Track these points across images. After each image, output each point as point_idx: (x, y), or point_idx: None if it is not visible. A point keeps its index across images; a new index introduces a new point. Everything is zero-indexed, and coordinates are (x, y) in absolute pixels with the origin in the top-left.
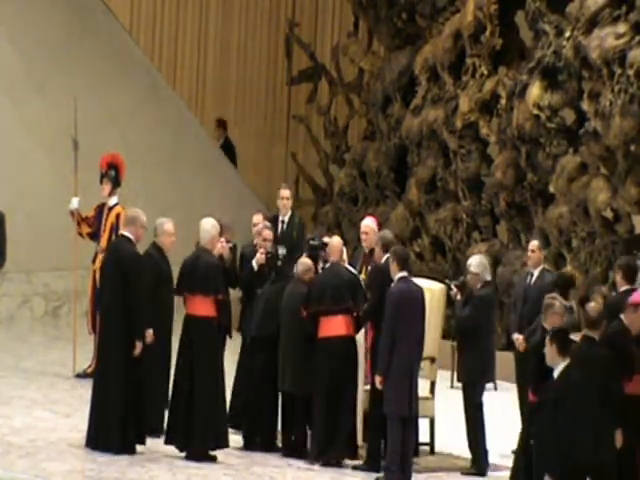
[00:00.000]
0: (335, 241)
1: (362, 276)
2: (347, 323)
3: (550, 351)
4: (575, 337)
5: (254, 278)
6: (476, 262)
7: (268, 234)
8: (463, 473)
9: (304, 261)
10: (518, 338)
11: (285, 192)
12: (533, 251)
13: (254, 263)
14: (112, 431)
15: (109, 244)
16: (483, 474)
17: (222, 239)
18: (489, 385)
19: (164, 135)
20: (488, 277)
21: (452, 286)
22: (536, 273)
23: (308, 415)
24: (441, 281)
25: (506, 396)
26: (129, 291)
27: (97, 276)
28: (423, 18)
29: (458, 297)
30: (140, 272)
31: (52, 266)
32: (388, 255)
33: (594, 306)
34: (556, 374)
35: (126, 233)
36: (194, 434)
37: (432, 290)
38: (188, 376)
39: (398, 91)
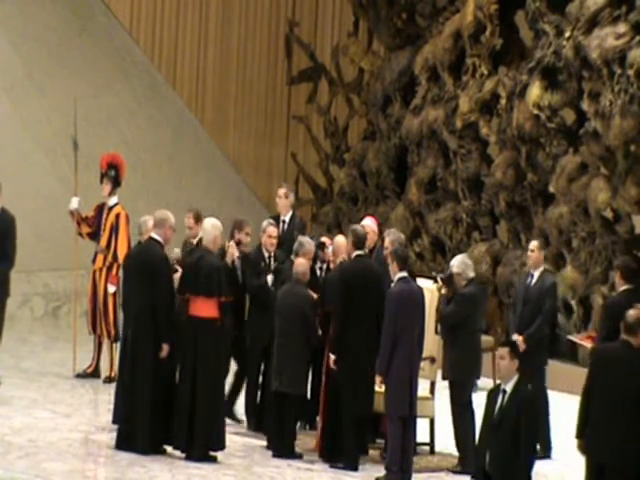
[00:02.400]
0: (340, 240)
1: None
2: None
3: (510, 365)
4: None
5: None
6: (457, 262)
7: (273, 231)
8: (450, 471)
9: (303, 262)
10: (518, 339)
11: (280, 190)
12: (532, 251)
13: (228, 259)
14: (139, 432)
15: (136, 246)
16: (470, 473)
17: (231, 242)
18: (489, 384)
19: (164, 135)
20: (471, 274)
21: (438, 279)
22: (536, 274)
23: (300, 415)
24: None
25: None
26: (156, 293)
27: (97, 276)
28: (423, 18)
29: (443, 290)
30: (167, 275)
31: (52, 266)
32: (357, 253)
33: (633, 312)
34: (509, 388)
35: (155, 235)
36: (196, 435)
37: (432, 290)
38: (190, 377)
39: (398, 91)
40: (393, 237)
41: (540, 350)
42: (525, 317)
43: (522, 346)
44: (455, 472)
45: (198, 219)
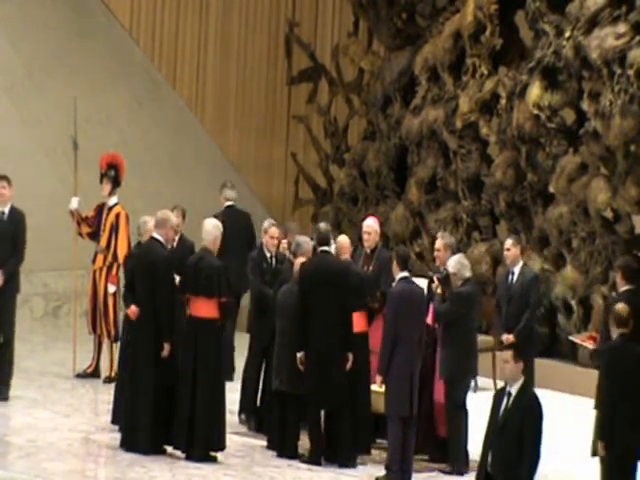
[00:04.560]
0: (343, 240)
1: None
2: (363, 319)
3: (515, 368)
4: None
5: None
6: (453, 262)
7: (274, 231)
8: (441, 471)
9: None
10: (508, 338)
11: None
12: (508, 249)
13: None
14: (141, 432)
15: (137, 246)
16: (461, 474)
17: (284, 241)
18: (489, 384)
19: (164, 135)
20: (467, 274)
21: (434, 278)
22: (517, 270)
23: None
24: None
25: None
26: (158, 293)
27: (97, 276)
28: (423, 18)
29: (439, 290)
30: (169, 275)
31: (52, 266)
32: (321, 249)
33: (622, 307)
34: (514, 391)
35: (156, 235)
36: (196, 435)
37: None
38: (190, 378)
39: (398, 91)
40: (447, 241)
41: (528, 345)
42: (511, 314)
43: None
44: (445, 472)
45: (184, 216)
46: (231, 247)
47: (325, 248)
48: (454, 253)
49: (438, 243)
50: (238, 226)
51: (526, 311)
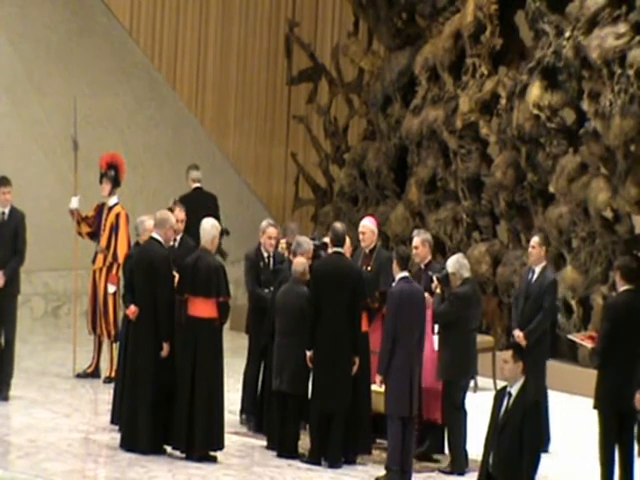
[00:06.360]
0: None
1: None
2: (363, 319)
3: (514, 368)
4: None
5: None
6: (452, 262)
7: (272, 232)
8: (441, 471)
9: (302, 261)
10: (519, 335)
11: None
12: (533, 247)
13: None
14: (140, 432)
15: (136, 247)
16: (461, 473)
17: (283, 240)
18: (489, 385)
19: (164, 135)
20: (466, 274)
21: (433, 278)
22: (538, 270)
23: (301, 415)
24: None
25: None
26: (158, 292)
27: (97, 276)
28: (423, 18)
29: (438, 290)
30: (169, 274)
31: (52, 266)
32: (335, 250)
33: None
34: (514, 391)
35: (155, 235)
36: (195, 435)
37: None
38: (189, 377)
39: (398, 91)
40: (424, 237)
41: (540, 347)
42: (526, 313)
43: (523, 342)
44: (445, 472)
45: (187, 213)
46: (196, 231)
47: (339, 249)
48: (431, 248)
49: (415, 240)
50: (204, 209)
51: (539, 313)
